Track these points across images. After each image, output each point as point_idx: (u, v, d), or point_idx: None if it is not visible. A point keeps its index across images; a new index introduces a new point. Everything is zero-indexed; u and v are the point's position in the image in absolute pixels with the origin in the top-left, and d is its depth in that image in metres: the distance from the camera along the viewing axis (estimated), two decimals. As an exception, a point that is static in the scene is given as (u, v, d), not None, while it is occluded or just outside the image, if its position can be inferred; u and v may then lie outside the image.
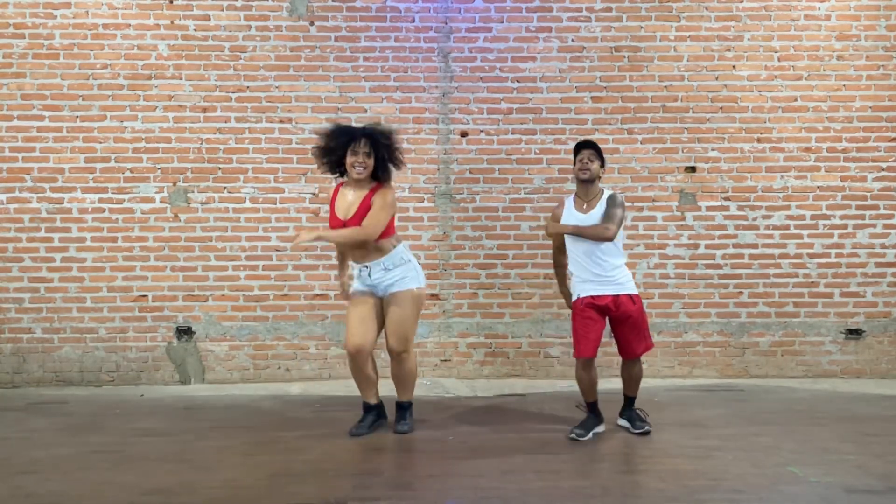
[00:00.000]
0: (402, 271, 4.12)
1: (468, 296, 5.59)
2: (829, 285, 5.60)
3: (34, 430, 4.35)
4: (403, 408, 4.33)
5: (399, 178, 5.51)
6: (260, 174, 5.48)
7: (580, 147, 4.15)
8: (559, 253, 4.32)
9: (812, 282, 5.60)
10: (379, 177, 4.09)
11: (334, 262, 5.22)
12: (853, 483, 3.40)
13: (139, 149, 5.44)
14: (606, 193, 4.14)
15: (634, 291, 4.15)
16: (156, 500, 3.25)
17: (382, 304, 4.16)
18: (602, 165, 4.15)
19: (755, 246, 5.58)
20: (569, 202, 4.21)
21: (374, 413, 4.28)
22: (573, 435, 4.08)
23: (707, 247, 5.59)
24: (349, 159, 4.02)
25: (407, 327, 4.15)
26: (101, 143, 5.42)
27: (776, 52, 5.56)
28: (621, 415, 4.36)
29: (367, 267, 4.09)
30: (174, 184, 5.46)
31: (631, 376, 4.27)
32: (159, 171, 5.45)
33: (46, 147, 5.41)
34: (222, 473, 3.58)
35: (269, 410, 4.77)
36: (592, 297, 4.09)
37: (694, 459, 3.74)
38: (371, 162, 4.03)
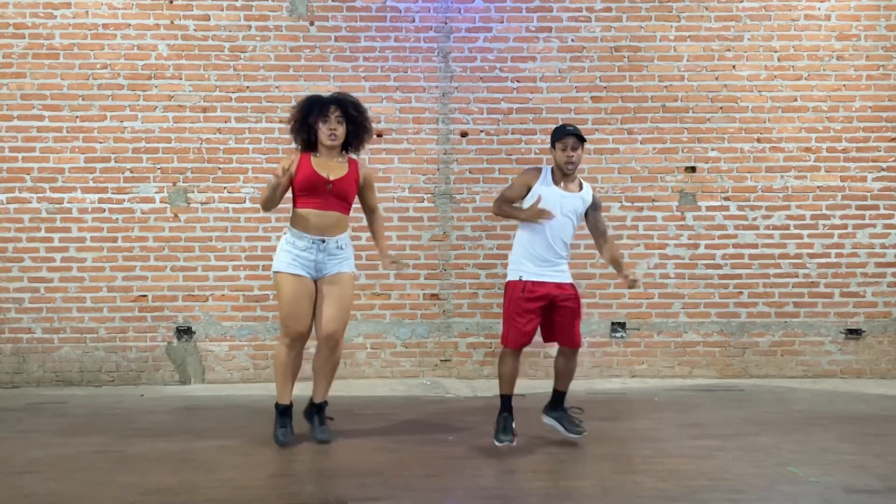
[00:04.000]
0: (349, 253, 4.03)
1: (468, 296, 5.58)
2: (829, 285, 5.60)
3: (34, 430, 4.35)
4: (322, 409, 4.11)
5: (399, 178, 5.53)
6: (260, 174, 5.48)
7: (566, 134, 3.86)
8: (507, 204, 3.96)
9: (812, 282, 5.60)
10: (350, 146, 4.02)
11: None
12: (853, 483, 3.40)
13: (139, 149, 5.44)
14: (586, 185, 4.00)
15: (573, 281, 3.98)
16: (156, 500, 3.25)
17: (317, 287, 3.95)
18: (583, 150, 3.94)
19: (755, 246, 5.58)
20: (546, 175, 3.94)
21: (290, 414, 4.06)
22: (502, 444, 3.87)
23: (707, 247, 5.59)
24: (321, 127, 3.91)
25: (349, 310, 4.06)
26: (101, 143, 5.42)
27: (776, 52, 5.56)
28: (548, 412, 4.08)
29: (323, 241, 3.89)
30: (174, 184, 5.46)
31: (568, 369, 3.99)
32: (159, 171, 5.45)
33: (46, 147, 5.41)
34: (222, 473, 3.58)
35: (269, 410, 4.76)
36: (535, 283, 3.85)
37: (694, 459, 3.74)
38: (342, 130, 3.93)
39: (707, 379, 5.56)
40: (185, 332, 5.49)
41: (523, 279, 3.89)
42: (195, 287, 5.49)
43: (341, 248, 3.97)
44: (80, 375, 5.47)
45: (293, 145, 4.14)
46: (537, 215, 3.83)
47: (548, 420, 4.08)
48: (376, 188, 4.25)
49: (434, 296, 5.57)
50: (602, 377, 5.55)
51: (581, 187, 4.00)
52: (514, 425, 3.96)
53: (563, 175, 3.94)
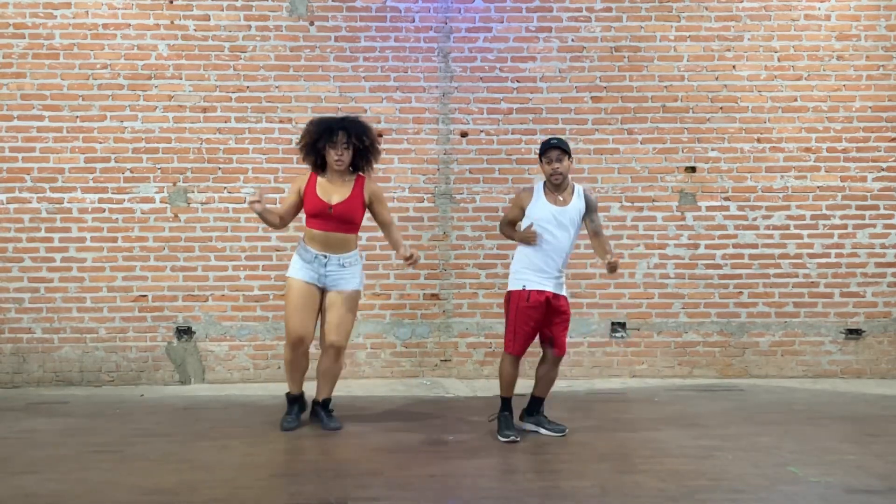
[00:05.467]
0: (354, 271, 4.23)
1: (468, 296, 5.58)
2: (829, 285, 5.60)
3: (34, 430, 4.35)
4: (327, 405, 4.37)
5: (399, 178, 5.53)
6: (260, 174, 5.48)
7: (549, 147, 4.02)
8: (510, 226, 4.18)
9: (812, 282, 5.60)
10: (359, 167, 4.25)
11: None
12: (853, 483, 3.40)
13: (139, 149, 5.44)
14: (578, 188, 4.11)
15: (567, 294, 4.16)
16: (156, 500, 3.25)
17: (323, 297, 4.20)
18: (570, 160, 4.06)
19: (755, 246, 5.58)
20: (538, 192, 4.07)
21: (299, 403, 4.38)
22: (509, 440, 4.01)
23: (707, 247, 5.59)
24: (330, 152, 4.12)
25: (350, 324, 4.26)
26: (101, 143, 5.42)
27: (776, 52, 5.56)
28: (526, 418, 4.23)
29: (326, 257, 4.13)
30: (174, 184, 5.46)
31: (549, 376, 4.16)
32: (159, 171, 5.45)
33: (46, 147, 5.41)
34: (222, 473, 3.58)
35: (269, 410, 4.76)
36: (537, 291, 3.99)
37: (694, 459, 3.74)
38: (349, 154, 4.14)
39: (707, 379, 5.56)
40: (185, 332, 5.49)
41: (527, 288, 4.02)
42: (195, 287, 5.49)
43: (343, 267, 4.18)
44: (80, 375, 5.47)
45: (304, 165, 4.36)
46: (527, 238, 4.04)
47: (527, 425, 4.23)
48: (386, 201, 4.40)
49: (434, 296, 5.57)
50: (602, 377, 5.55)
51: (574, 196, 4.09)
52: (514, 422, 4.14)
53: (555, 187, 4.05)
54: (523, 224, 4.12)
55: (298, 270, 4.17)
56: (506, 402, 4.15)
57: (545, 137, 5.47)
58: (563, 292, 4.10)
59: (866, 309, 5.61)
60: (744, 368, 5.61)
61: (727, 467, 3.62)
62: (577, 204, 4.06)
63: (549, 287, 4.02)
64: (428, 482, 3.46)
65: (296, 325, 4.13)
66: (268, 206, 4.14)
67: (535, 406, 4.21)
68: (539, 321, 4.05)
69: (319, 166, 4.21)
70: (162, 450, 3.94)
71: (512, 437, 4.02)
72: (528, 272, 4.04)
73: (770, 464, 3.66)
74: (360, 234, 4.37)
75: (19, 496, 3.30)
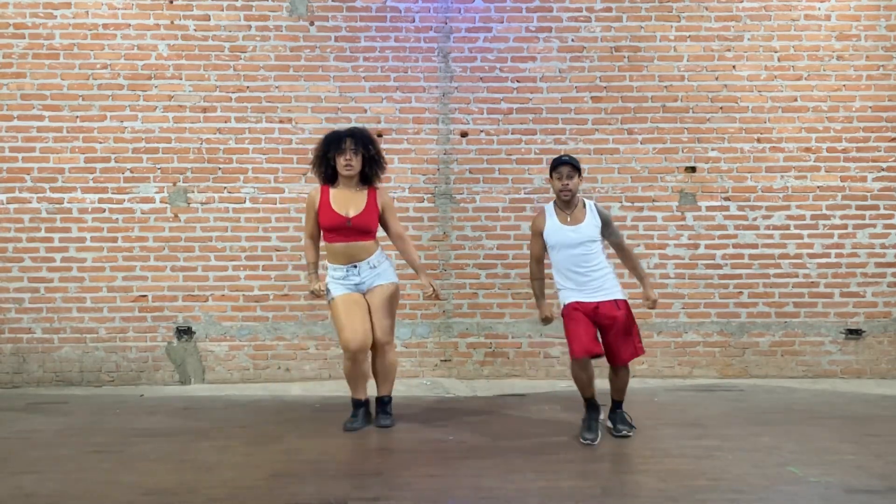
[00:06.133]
0: (386, 266, 4.32)
1: (468, 296, 5.59)
2: (829, 285, 5.60)
3: (34, 430, 4.35)
4: (385, 402, 4.41)
5: (399, 178, 5.53)
6: (260, 174, 5.48)
7: (560, 164, 4.03)
8: (538, 264, 4.21)
9: (812, 282, 5.60)
10: (368, 177, 4.30)
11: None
12: (853, 483, 3.40)
13: (139, 149, 5.44)
14: (589, 203, 4.13)
15: (620, 297, 4.06)
16: (156, 500, 3.25)
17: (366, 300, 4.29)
18: (580, 177, 4.07)
19: (755, 246, 5.59)
20: (550, 213, 4.10)
21: (365, 408, 4.37)
22: (586, 442, 4.02)
23: (707, 247, 5.59)
24: (338, 159, 4.20)
25: (392, 319, 4.31)
26: (101, 143, 5.42)
27: (776, 52, 5.56)
28: (608, 416, 4.29)
29: (355, 266, 4.21)
30: (174, 184, 5.46)
31: (617, 381, 4.17)
32: (159, 171, 5.45)
33: (46, 147, 5.41)
34: (222, 473, 3.58)
35: (269, 410, 4.77)
36: (578, 302, 4.03)
37: (694, 459, 3.74)
38: (358, 160, 4.22)
39: (707, 379, 5.57)
40: (185, 332, 5.49)
41: (572, 300, 4.07)
42: (195, 287, 5.49)
43: (374, 267, 4.27)
44: (80, 375, 5.47)
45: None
46: (543, 320, 4.20)
47: (608, 423, 4.27)
48: (396, 212, 4.49)
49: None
50: (602, 377, 5.54)
51: (587, 212, 4.09)
52: (599, 420, 4.14)
53: (565, 204, 4.07)
54: (547, 237, 4.09)
55: (336, 288, 4.24)
56: (587, 403, 4.16)
57: (545, 137, 5.55)
58: (615, 297, 4.04)
59: (866, 309, 5.61)
60: (744, 368, 5.61)
61: (727, 467, 3.62)
62: (591, 220, 4.06)
63: (590, 298, 4.02)
64: (428, 482, 3.46)
65: (353, 335, 4.14)
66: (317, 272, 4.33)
67: (613, 407, 4.27)
68: (589, 319, 4.02)
69: (330, 178, 4.27)
70: (162, 450, 3.94)
71: (589, 440, 4.01)
72: (568, 291, 4.08)
73: (770, 464, 3.66)
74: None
75: (19, 496, 3.30)
